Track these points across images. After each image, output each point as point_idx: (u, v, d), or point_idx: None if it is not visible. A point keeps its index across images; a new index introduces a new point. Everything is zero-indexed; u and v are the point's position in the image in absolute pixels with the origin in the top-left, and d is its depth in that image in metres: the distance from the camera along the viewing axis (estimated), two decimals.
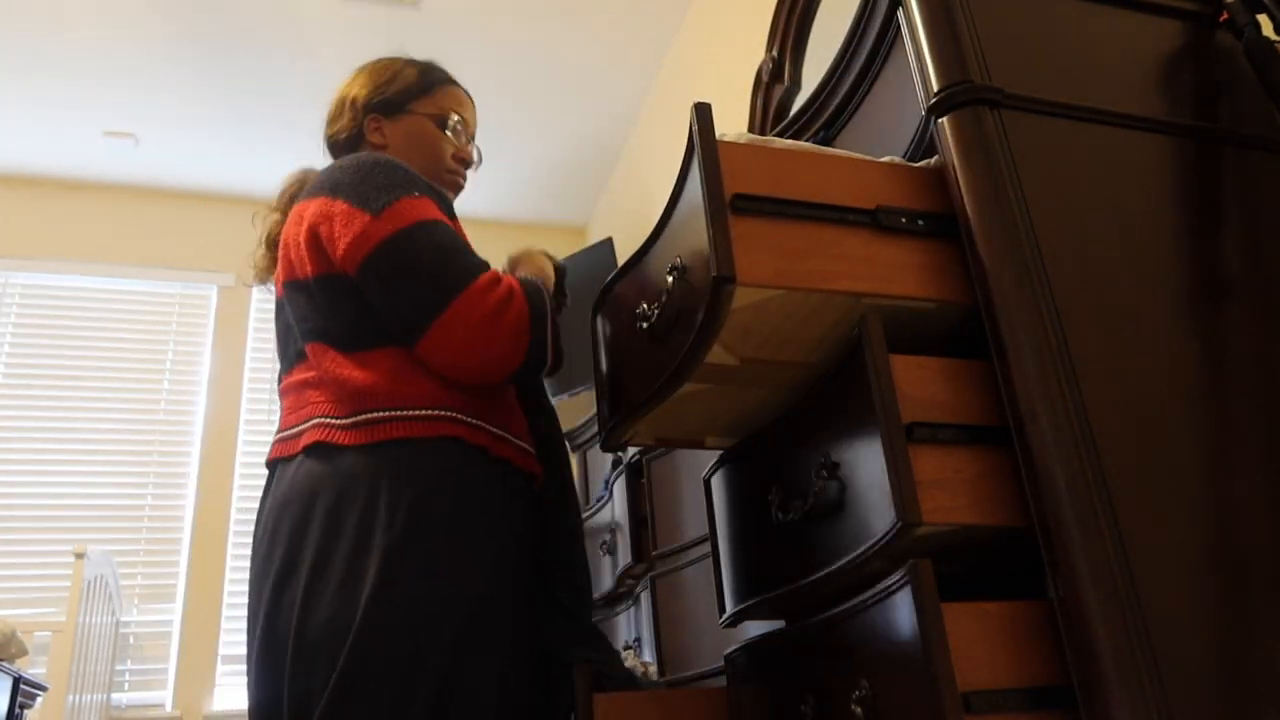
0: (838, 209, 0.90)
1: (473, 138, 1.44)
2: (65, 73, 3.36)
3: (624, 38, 3.41)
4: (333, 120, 1.42)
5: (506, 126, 3.81)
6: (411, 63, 1.43)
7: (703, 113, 0.90)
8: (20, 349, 3.71)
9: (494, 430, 1.18)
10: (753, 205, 0.87)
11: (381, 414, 1.12)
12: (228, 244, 4.08)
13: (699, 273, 0.87)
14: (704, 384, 0.98)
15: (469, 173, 1.45)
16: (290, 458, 1.16)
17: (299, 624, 1.05)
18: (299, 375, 1.21)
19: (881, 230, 0.90)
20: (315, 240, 1.17)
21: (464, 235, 1.23)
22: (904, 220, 0.91)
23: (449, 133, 1.39)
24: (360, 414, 1.13)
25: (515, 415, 1.24)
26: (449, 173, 1.40)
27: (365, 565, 1.05)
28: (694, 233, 0.89)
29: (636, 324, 1.00)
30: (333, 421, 1.14)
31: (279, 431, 1.22)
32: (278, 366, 1.28)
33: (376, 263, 1.12)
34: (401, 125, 1.37)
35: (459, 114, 1.41)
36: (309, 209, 1.19)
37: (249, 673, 1.12)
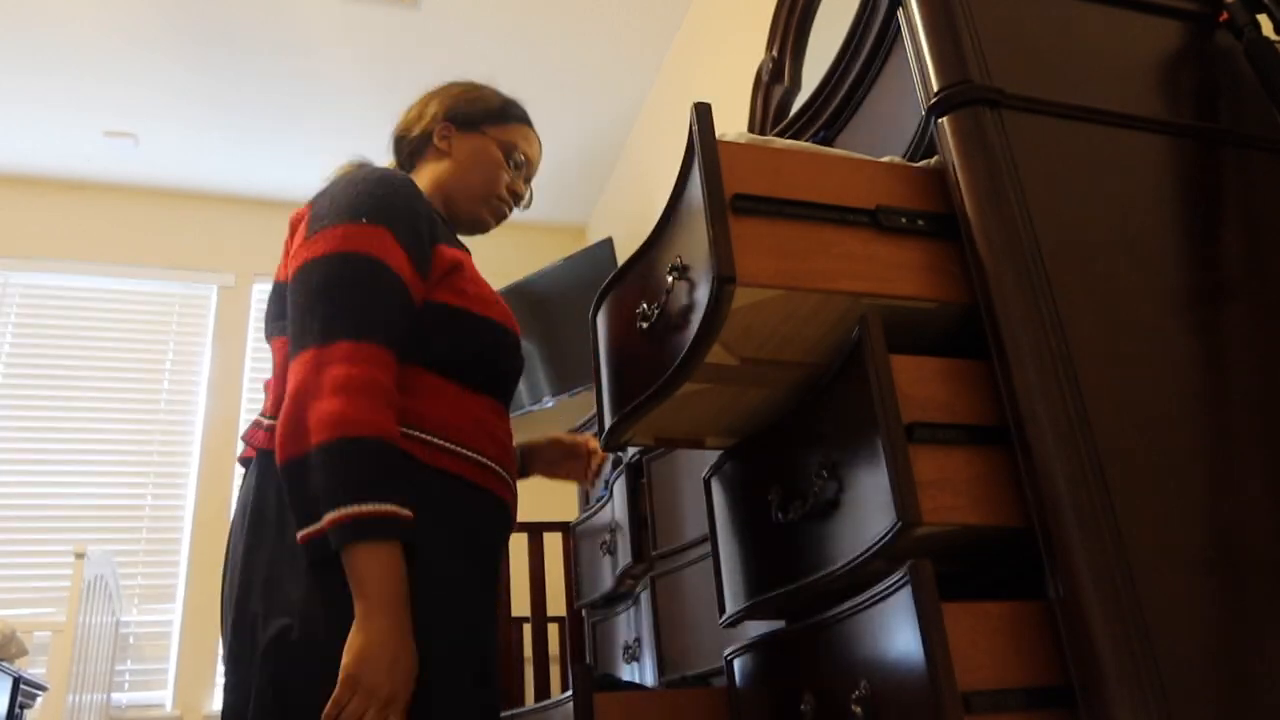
0: (838, 209, 0.90)
1: (530, 179, 1.47)
2: (65, 73, 3.36)
3: (624, 38, 3.41)
4: (406, 120, 1.43)
5: None
6: (498, 92, 1.48)
7: (703, 113, 0.90)
8: (20, 349, 3.71)
9: (453, 446, 1.13)
10: (753, 205, 0.87)
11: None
12: (228, 244, 4.08)
13: (699, 272, 0.87)
14: (704, 384, 0.98)
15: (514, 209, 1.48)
16: (249, 460, 1.18)
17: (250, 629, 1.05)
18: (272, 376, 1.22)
19: (881, 230, 0.90)
20: (288, 246, 1.20)
21: (453, 264, 1.20)
22: (904, 220, 0.91)
23: (511, 164, 1.42)
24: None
25: (489, 436, 1.18)
26: (498, 200, 1.41)
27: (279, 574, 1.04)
28: (694, 233, 0.89)
29: (636, 324, 1.00)
30: (263, 422, 1.15)
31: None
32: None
33: (291, 289, 1.12)
34: (470, 142, 1.39)
35: (525, 152, 1.44)
36: (299, 219, 1.22)
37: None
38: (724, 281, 0.82)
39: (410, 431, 1.10)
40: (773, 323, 0.90)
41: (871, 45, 1.11)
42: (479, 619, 1.09)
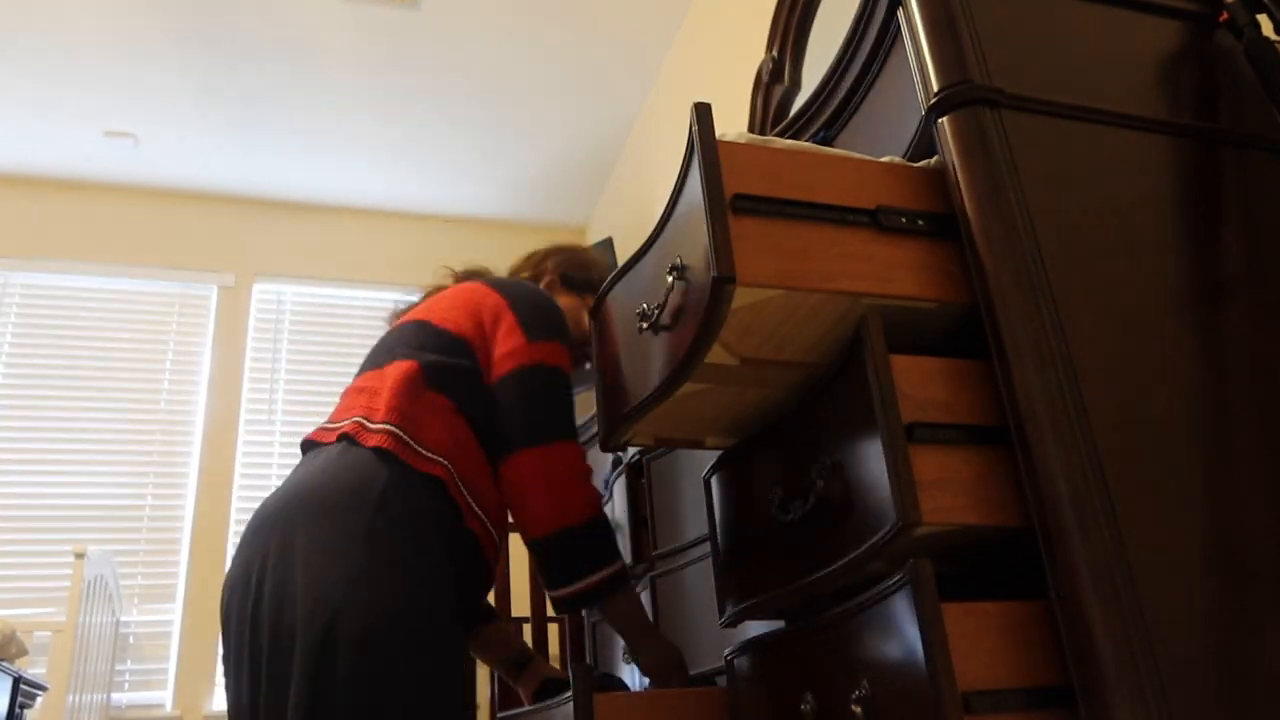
0: (838, 209, 0.90)
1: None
2: (65, 73, 3.36)
3: (624, 38, 3.41)
4: (523, 261, 1.63)
5: (506, 126, 3.81)
6: (600, 265, 1.65)
7: (703, 113, 0.90)
8: (20, 349, 3.71)
9: (471, 501, 1.23)
10: (753, 205, 0.87)
11: (413, 439, 1.20)
12: (228, 244, 4.08)
13: (699, 272, 0.87)
14: (704, 384, 0.98)
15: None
16: (323, 444, 1.24)
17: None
18: (369, 383, 1.30)
19: (882, 230, 0.90)
20: (477, 320, 1.32)
21: None
22: (904, 220, 0.91)
23: (584, 343, 1.58)
24: (395, 426, 1.20)
25: (489, 497, 1.27)
26: (576, 355, 1.58)
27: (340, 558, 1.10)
28: (694, 233, 0.89)
29: (636, 324, 1.00)
30: (369, 424, 1.22)
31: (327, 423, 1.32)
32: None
33: (528, 377, 1.27)
34: (568, 300, 1.56)
35: None
36: (487, 297, 1.36)
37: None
38: (724, 282, 0.82)
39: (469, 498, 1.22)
40: (772, 323, 0.90)
41: (871, 45, 1.11)
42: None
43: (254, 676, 1.10)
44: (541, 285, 1.55)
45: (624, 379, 1.07)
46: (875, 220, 0.90)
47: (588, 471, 1.26)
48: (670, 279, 0.93)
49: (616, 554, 1.25)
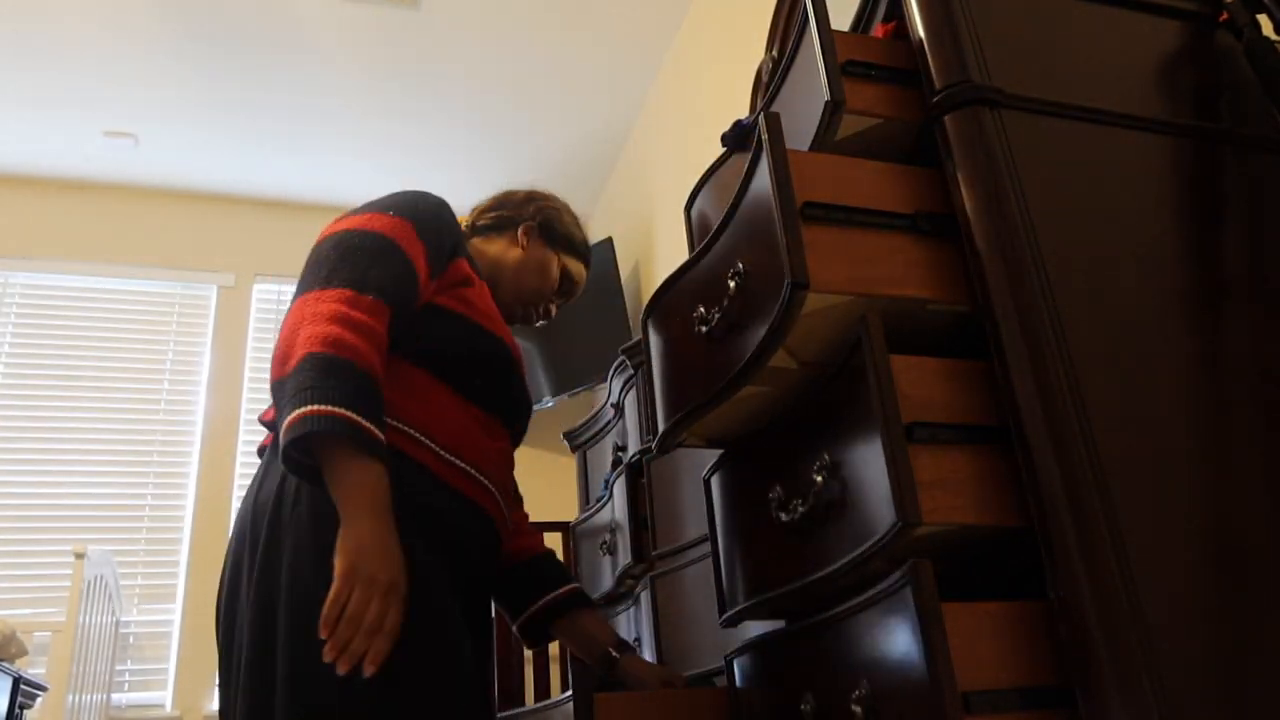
0: (897, 216, 0.91)
1: (561, 304, 1.56)
2: (65, 73, 3.36)
3: (624, 38, 3.41)
4: (503, 197, 1.53)
5: (506, 126, 3.81)
6: (583, 229, 1.59)
7: (773, 121, 0.92)
8: (20, 349, 3.71)
9: (441, 451, 1.14)
10: (820, 213, 0.89)
11: None
12: (228, 244, 4.08)
13: (763, 279, 0.89)
14: (764, 386, 0.98)
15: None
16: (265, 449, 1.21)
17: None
18: None
19: (922, 235, 0.92)
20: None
21: (463, 278, 1.25)
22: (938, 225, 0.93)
23: (560, 291, 1.52)
24: None
25: (471, 442, 1.19)
26: (531, 307, 1.49)
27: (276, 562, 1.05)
28: (759, 239, 0.90)
29: (694, 328, 1.01)
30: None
31: None
32: None
33: (316, 247, 1.17)
34: (543, 252, 1.48)
35: (575, 287, 1.55)
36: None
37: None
38: (798, 288, 0.84)
39: (393, 423, 1.11)
40: (839, 328, 0.91)
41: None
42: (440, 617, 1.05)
43: (226, 670, 1.10)
44: (519, 232, 1.47)
45: (680, 382, 1.07)
46: (914, 224, 0.92)
47: (343, 315, 1.04)
48: (732, 284, 0.94)
49: (322, 396, 0.98)
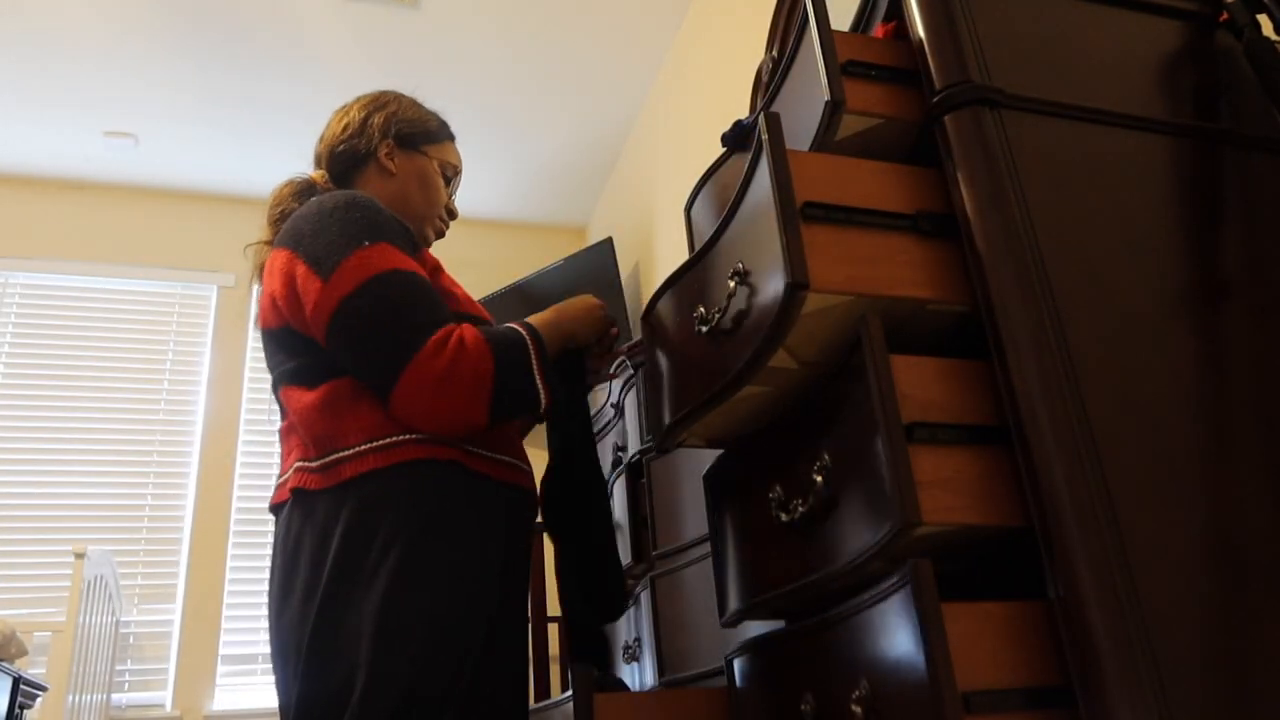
0: (897, 216, 0.91)
1: (453, 190, 1.50)
2: (65, 73, 3.36)
3: (624, 38, 3.41)
4: (342, 134, 1.40)
5: (507, 127, 3.81)
6: (428, 110, 1.48)
7: (773, 121, 0.91)
8: (20, 349, 3.71)
9: (468, 447, 1.17)
10: (821, 213, 0.89)
11: (343, 454, 1.13)
12: (228, 244, 4.08)
13: (764, 278, 0.89)
14: (764, 387, 0.99)
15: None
16: (282, 504, 1.19)
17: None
18: (284, 423, 1.24)
19: (922, 235, 0.91)
20: (288, 296, 1.17)
21: (432, 271, 1.24)
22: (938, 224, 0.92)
23: (451, 186, 1.45)
24: (328, 455, 1.14)
25: (497, 433, 1.23)
26: (440, 220, 1.43)
27: (347, 614, 1.07)
28: (759, 239, 0.90)
29: (695, 327, 1.01)
30: (308, 465, 1.16)
31: (278, 477, 1.26)
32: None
33: (337, 332, 1.12)
34: (414, 163, 1.40)
35: (457, 168, 1.47)
36: (277, 263, 1.20)
37: None
38: (798, 288, 0.84)
39: (413, 435, 1.14)
40: (838, 328, 0.91)
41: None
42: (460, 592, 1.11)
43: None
44: (380, 157, 1.37)
45: (681, 382, 1.07)
46: (915, 225, 0.91)
47: (446, 363, 1.10)
48: (732, 284, 0.94)
49: (508, 347, 1.15)
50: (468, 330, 1.13)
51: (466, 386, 1.10)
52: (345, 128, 1.40)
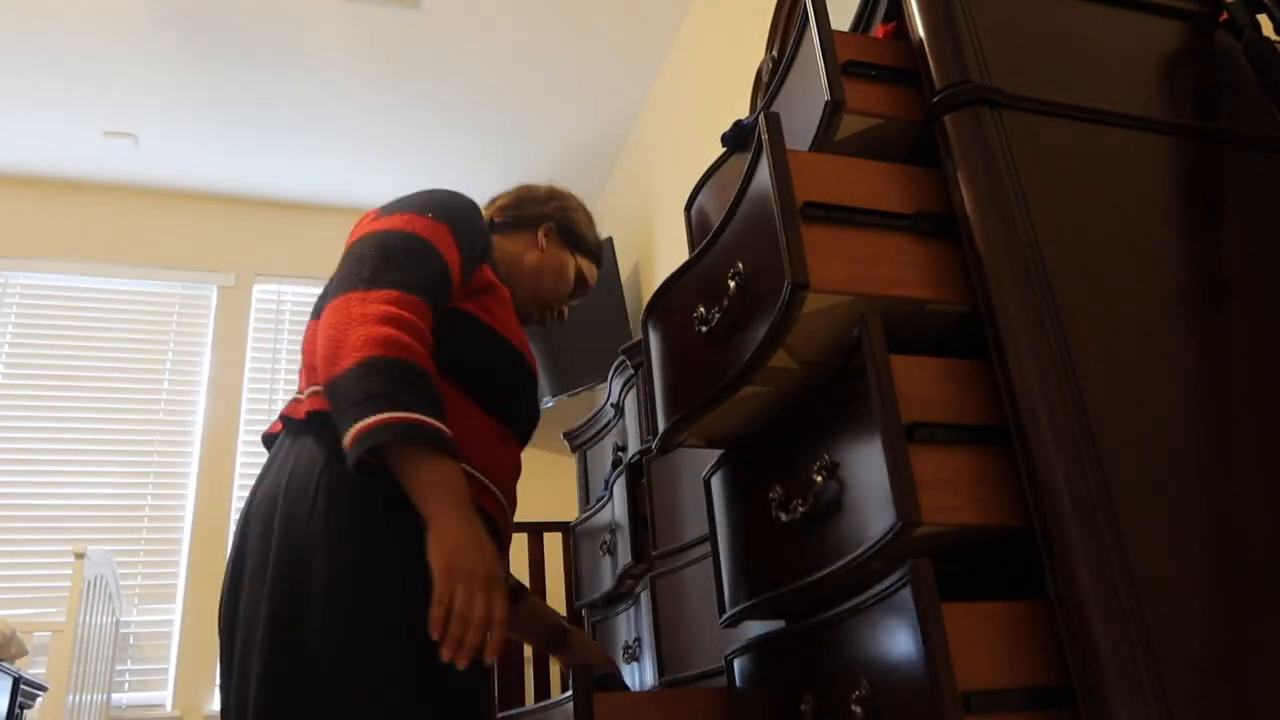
0: (897, 216, 0.91)
1: (574, 304, 1.56)
2: (65, 73, 3.36)
3: (624, 38, 3.41)
4: (528, 195, 1.51)
5: (506, 126, 3.81)
6: (596, 231, 1.57)
7: (773, 122, 0.91)
8: (20, 349, 3.71)
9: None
10: (821, 213, 0.88)
11: (310, 390, 1.16)
12: (228, 244, 4.08)
13: (764, 279, 0.89)
14: (764, 387, 0.99)
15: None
16: (273, 436, 1.23)
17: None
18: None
19: (922, 235, 0.91)
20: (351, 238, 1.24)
21: (488, 286, 1.26)
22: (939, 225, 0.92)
23: (576, 294, 1.52)
24: (307, 389, 1.17)
25: (484, 449, 1.20)
26: (546, 310, 1.49)
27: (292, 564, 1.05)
28: (760, 239, 0.90)
29: (694, 328, 1.01)
30: (299, 396, 1.19)
31: None
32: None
33: (356, 244, 1.18)
34: (561, 255, 1.48)
35: (590, 290, 1.56)
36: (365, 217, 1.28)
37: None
38: (798, 288, 0.83)
39: None
40: (837, 328, 0.91)
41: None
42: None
43: (227, 671, 1.10)
44: (540, 233, 1.46)
45: (681, 382, 1.07)
46: (915, 225, 0.91)
47: (395, 316, 1.05)
48: (732, 284, 0.94)
49: (394, 403, 0.99)
50: (418, 327, 1.07)
51: (346, 343, 1.04)
52: (528, 191, 1.53)
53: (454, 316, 1.20)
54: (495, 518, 1.20)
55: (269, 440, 1.24)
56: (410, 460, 1.01)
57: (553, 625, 1.47)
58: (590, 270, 1.53)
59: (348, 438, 0.99)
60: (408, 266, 1.12)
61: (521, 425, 1.29)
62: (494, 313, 1.25)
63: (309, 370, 1.19)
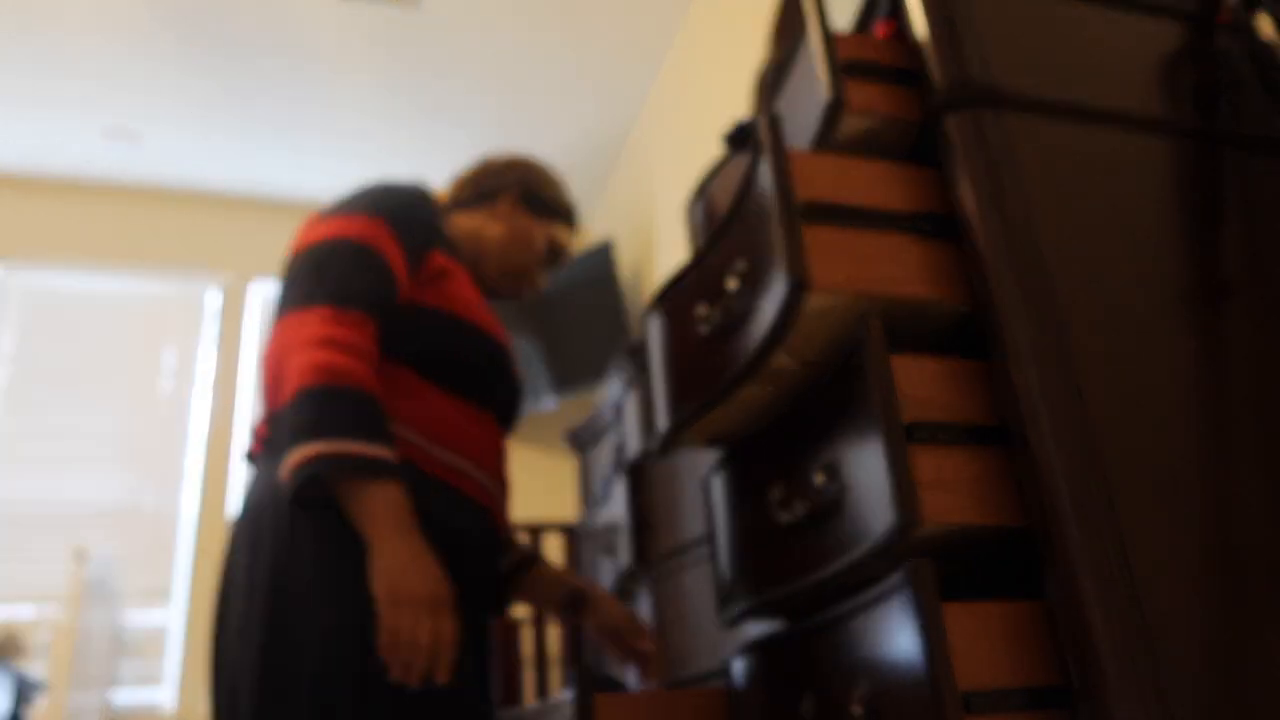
0: (898, 215, 0.91)
1: (553, 271, 1.51)
2: (65, 73, 3.36)
3: (624, 38, 3.41)
4: (485, 169, 1.48)
5: (507, 126, 3.81)
6: (566, 193, 1.52)
7: (773, 122, 0.92)
8: (20, 349, 3.71)
9: (426, 446, 1.16)
10: (821, 213, 0.88)
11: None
12: (228, 244, 4.08)
13: (765, 279, 0.89)
14: (765, 387, 0.99)
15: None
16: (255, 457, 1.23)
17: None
18: None
19: (923, 235, 0.91)
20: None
21: (440, 272, 1.24)
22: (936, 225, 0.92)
23: (551, 262, 1.48)
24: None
25: (462, 436, 1.20)
26: (518, 281, 1.44)
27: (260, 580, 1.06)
28: (761, 239, 0.90)
29: (695, 328, 1.01)
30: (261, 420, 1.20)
31: None
32: None
33: (292, 261, 1.19)
34: (523, 224, 1.44)
35: (564, 252, 1.50)
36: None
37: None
38: (799, 288, 0.83)
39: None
40: (837, 327, 0.91)
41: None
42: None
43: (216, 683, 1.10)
44: (498, 204, 1.43)
45: (681, 381, 1.07)
46: (915, 225, 0.91)
47: (329, 337, 1.05)
48: (733, 285, 0.95)
49: (329, 432, 0.99)
50: (354, 343, 1.07)
51: (287, 372, 1.05)
52: (487, 164, 1.49)
53: (412, 310, 1.20)
54: (480, 500, 1.21)
55: (250, 459, 1.25)
56: (349, 489, 1.02)
57: (569, 589, 1.42)
58: (561, 233, 1.48)
59: (284, 472, 1.01)
60: (342, 277, 1.12)
61: (499, 405, 1.28)
62: (450, 296, 1.24)
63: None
